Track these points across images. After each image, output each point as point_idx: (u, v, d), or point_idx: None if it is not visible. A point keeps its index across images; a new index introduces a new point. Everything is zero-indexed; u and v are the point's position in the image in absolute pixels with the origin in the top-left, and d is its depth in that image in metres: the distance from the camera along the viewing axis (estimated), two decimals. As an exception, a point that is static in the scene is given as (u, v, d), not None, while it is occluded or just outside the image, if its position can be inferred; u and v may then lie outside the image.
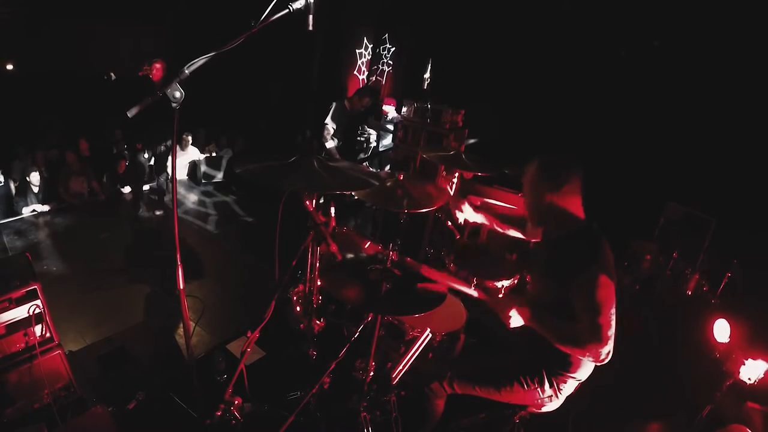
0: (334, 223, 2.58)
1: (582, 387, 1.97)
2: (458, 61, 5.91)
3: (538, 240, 2.22)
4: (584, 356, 1.70)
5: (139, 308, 3.62)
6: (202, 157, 6.83)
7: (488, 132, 5.21)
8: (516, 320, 1.76)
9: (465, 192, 4.09)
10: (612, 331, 1.63)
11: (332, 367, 2.10)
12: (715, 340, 2.97)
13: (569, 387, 1.94)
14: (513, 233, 2.39)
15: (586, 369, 1.89)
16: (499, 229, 2.45)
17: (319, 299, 2.39)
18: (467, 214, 2.48)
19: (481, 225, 2.73)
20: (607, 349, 1.63)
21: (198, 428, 2.31)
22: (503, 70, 5.66)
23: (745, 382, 2.65)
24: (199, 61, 1.58)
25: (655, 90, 4.70)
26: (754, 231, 3.68)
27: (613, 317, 1.65)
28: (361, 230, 4.59)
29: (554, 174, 1.78)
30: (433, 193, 2.69)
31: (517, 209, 4.21)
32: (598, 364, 1.70)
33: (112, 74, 9.96)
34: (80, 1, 8.69)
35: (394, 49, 7.75)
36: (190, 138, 6.81)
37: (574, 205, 1.80)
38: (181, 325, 2.02)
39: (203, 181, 6.65)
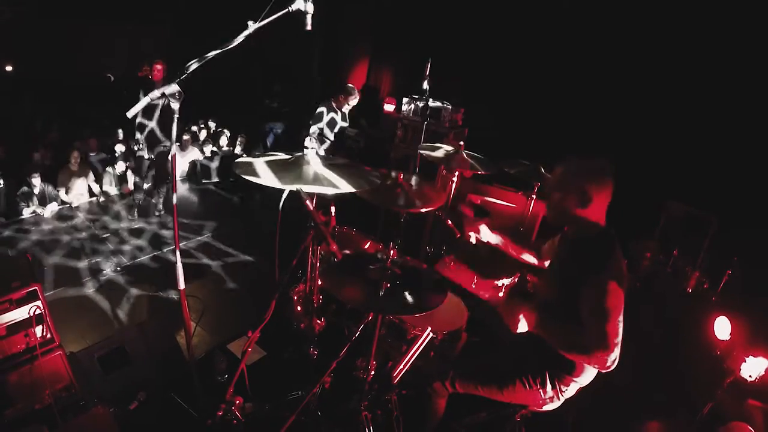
0: (334, 223, 2.59)
1: (582, 388, 1.97)
2: (459, 60, 5.90)
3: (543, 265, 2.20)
4: (590, 363, 1.69)
5: (139, 308, 3.62)
6: (202, 157, 6.83)
7: (488, 131, 5.21)
8: (523, 326, 1.75)
9: (465, 191, 4.09)
10: (618, 339, 1.62)
11: (333, 366, 2.10)
12: (716, 337, 2.97)
13: (571, 390, 1.94)
14: (527, 257, 2.32)
15: (588, 374, 1.89)
16: (513, 253, 2.36)
17: (319, 299, 2.39)
18: (484, 235, 2.38)
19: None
20: (613, 357, 1.62)
21: (199, 428, 2.31)
22: (504, 70, 5.65)
23: (746, 379, 2.64)
24: (199, 62, 1.59)
25: (656, 89, 4.70)
26: (754, 228, 3.68)
27: (620, 325, 1.64)
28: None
29: (592, 180, 1.74)
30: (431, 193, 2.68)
31: (516, 207, 4.21)
32: (603, 371, 1.69)
33: (111, 76, 9.96)
34: (80, 2, 8.70)
35: None
36: (190, 138, 6.82)
37: (599, 213, 1.79)
38: (182, 325, 2.02)
39: (203, 180, 6.64)
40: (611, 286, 1.63)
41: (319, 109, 4.93)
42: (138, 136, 4.93)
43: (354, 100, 5.05)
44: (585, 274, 1.69)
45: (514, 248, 2.35)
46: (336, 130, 5.07)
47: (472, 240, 2.39)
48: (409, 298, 1.77)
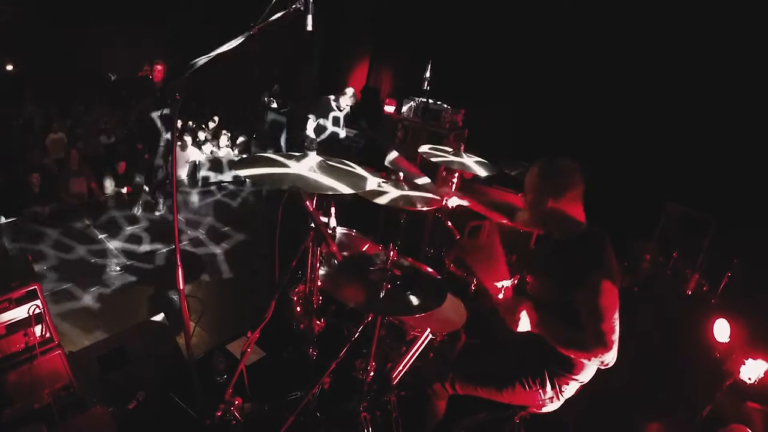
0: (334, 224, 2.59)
1: (583, 387, 1.97)
2: (459, 61, 5.90)
3: (527, 229, 2.24)
4: (589, 360, 1.70)
5: (139, 308, 3.62)
6: (202, 157, 6.83)
7: (488, 132, 5.21)
8: (524, 325, 1.75)
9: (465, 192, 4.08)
10: (616, 336, 1.64)
11: (332, 367, 2.10)
12: (716, 339, 2.97)
13: (571, 389, 1.94)
14: (499, 218, 2.42)
15: (588, 371, 1.88)
16: (483, 212, 2.49)
17: (319, 299, 2.39)
18: (453, 201, 2.55)
19: (481, 225, 2.73)
20: (612, 354, 1.64)
21: (198, 428, 2.31)
22: (503, 71, 5.65)
23: (745, 381, 2.64)
24: (200, 62, 1.59)
25: (655, 90, 4.70)
26: (754, 230, 3.68)
27: (617, 322, 1.65)
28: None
29: (558, 179, 1.77)
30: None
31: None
32: (602, 368, 1.70)
33: (111, 75, 9.96)
34: (80, 2, 8.70)
35: None
36: (189, 138, 6.81)
37: (575, 210, 1.80)
38: (182, 325, 2.02)
39: (203, 181, 6.64)
40: (604, 285, 1.64)
41: (324, 99, 5.01)
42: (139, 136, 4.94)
43: (348, 99, 5.10)
44: (577, 275, 1.69)
45: (482, 209, 2.48)
46: (332, 126, 5.11)
47: (450, 204, 2.55)
48: (409, 299, 1.77)
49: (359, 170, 1.92)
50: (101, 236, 4.75)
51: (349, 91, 5.18)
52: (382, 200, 2.56)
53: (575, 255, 1.75)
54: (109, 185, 5.96)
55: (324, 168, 1.77)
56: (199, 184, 6.59)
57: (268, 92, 7.88)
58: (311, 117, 5.06)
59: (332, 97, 5.20)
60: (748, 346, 2.75)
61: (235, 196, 6.40)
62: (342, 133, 5.29)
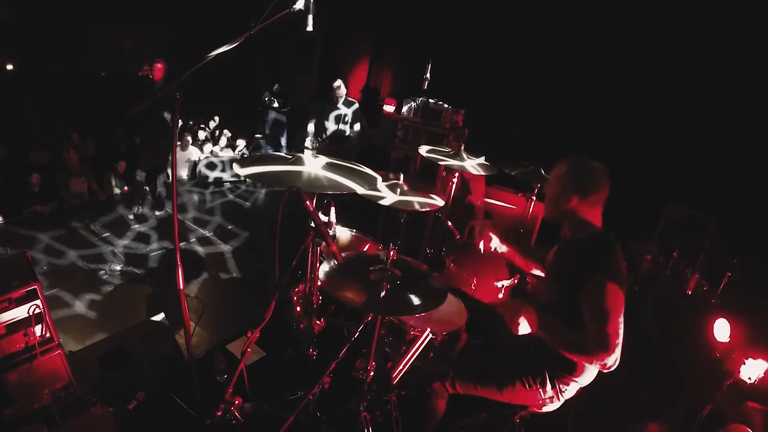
0: (334, 223, 2.59)
1: (583, 388, 1.97)
2: (458, 61, 5.90)
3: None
4: (591, 363, 1.70)
5: (139, 308, 3.62)
6: (202, 156, 6.82)
7: (488, 131, 5.21)
8: (524, 327, 1.75)
9: (465, 192, 4.09)
10: (619, 340, 1.63)
11: (332, 367, 2.10)
12: (716, 339, 2.98)
13: (571, 390, 1.94)
14: (536, 272, 2.28)
15: (588, 374, 1.89)
16: (521, 265, 2.33)
17: (319, 299, 2.39)
18: (495, 245, 2.31)
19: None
20: (614, 358, 1.62)
21: (198, 428, 2.31)
22: (503, 71, 5.66)
23: (745, 381, 2.65)
24: (200, 62, 1.59)
25: (656, 90, 4.70)
26: (754, 230, 3.68)
27: (621, 325, 1.64)
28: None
29: (585, 180, 1.76)
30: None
31: (516, 209, 4.22)
32: (604, 371, 1.70)
33: (102, 73, 9.92)
34: (80, 1, 8.70)
35: None
36: (190, 138, 6.81)
37: (594, 214, 1.80)
38: (182, 325, 2.02)
39: (204, 180, 6.64)
40: (610, 287, 1.64)
41: (315, 104, 5.01)
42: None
43: (339, 91, 5.08)
44: (584, 276, 1.69)
45: (522, 261, 2.31)
46: (334, 124, 5.10)
47: (480, 248, 2.32)
48: (409, 298, 1.77)
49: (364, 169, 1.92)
50: (102, 236, 4.75)
51: (337, 83, 5.12)
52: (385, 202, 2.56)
53: (583, 256, 1.76)
54: (109, 185, 5.96)
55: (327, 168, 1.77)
56: (200, 183, 6.58)
57: (268, 92, 7.87)
58: (310, 122, 5.06)
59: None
60: (748, 346, 2.75)
61: (240, 196, 6.40)
62: (356, 127, 5.23)
